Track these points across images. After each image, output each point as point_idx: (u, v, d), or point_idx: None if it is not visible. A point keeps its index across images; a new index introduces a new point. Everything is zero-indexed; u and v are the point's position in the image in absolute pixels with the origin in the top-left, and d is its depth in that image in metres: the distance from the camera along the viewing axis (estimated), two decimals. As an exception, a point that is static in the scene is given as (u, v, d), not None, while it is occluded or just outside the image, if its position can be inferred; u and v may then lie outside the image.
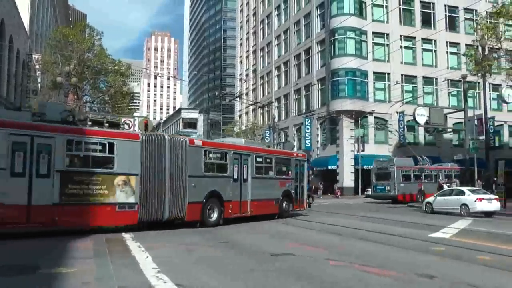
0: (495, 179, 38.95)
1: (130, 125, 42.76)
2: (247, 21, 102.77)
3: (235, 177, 23.58)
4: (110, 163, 18.51)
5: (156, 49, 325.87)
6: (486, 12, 34.92)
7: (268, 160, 26.40)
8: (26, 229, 16.49)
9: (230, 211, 22.92)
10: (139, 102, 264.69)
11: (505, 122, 65.14)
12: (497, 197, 31.99)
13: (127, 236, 17.10)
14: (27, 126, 16.55)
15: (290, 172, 28.17)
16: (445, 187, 42.50)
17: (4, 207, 15.30)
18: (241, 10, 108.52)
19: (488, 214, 30.48)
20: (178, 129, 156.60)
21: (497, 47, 32.61)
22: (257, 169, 25.12)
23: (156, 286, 9.29)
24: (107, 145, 18.41)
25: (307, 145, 64.29)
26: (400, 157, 55.15)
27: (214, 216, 21.98)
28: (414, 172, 48.49)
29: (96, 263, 11.73)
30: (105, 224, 18.47)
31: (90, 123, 19.06)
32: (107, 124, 19.32)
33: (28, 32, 55.73)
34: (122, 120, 37.77)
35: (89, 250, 13.75)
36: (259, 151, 25.98)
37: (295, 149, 57.98)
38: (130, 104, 64.66)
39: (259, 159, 25.43)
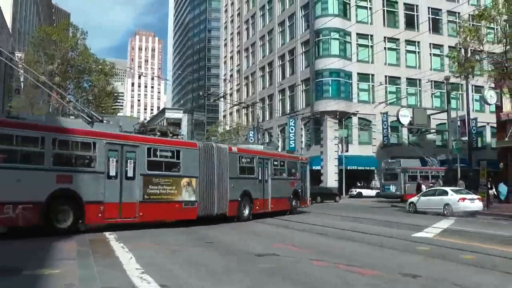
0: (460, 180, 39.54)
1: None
2: (232, 21, 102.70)
3: (260, 178, 27.40)
4: (177, 167, 21.90)
5: (140, 48, 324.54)
6: (469, 15, 35.19)
7: (282, 163, 30.41)
8: (119, 223, 19.53)
9: (257, 207, 26.77)
10: (123, 102, 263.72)
11: (488, 123, 65.52)
12: (479, 197, 32.26)
13: (110, 237, 16.99)
14: (119, 136, 19.64)
15: (297, 174, 31.98)
16: (424, 187, 43.06)
17: (104, 205, 18.55)
18: (226, 11, 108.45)
19: (471, 214, 30.70)
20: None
21: (479, 49, 32.79)
22: (274, 171, 28.95)
23: (139, 287, 9.21)
24: (175, 152, 21.87)
25: (291, 146, 64.30)
26: (384, 157, 55.41)
27: (246, 212, 25.71)
28: (421, 172, 50.10)
29: (80, 264, 11.59)
30: (174, 218, 21.91)
31: (159, 133, 22.38)
32: (158, 133, 22.40)
33: (10, 30, 55.24)
34: (105, 120, 37.69)
35: (72, 251, 13.59)
36: (275, 156, 30.17)
37: (279, 149, 58.15)
38: (114, 103, 64.32)
39: (275, 163, 29.39)
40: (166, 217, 21.74)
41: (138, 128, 21.90)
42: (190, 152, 22.47)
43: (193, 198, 22.25)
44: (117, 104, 76.83)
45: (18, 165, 16.42)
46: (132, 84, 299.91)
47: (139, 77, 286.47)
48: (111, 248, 14.40)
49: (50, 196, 16.86)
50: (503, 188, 41.74)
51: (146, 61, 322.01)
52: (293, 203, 30.88)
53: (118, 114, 71.52)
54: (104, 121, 20.08)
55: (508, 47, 31.40)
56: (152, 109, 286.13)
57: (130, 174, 19.67)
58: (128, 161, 19.67)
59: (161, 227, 20.44)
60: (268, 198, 28.03)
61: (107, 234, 17.91)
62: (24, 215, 16.13)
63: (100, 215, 18.50)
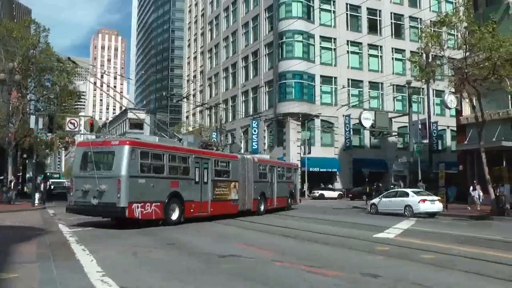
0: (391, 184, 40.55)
1: (76, 125, 41.94)
2: (195, 22, 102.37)
3: (270, 181, 34.21)
4: (228, 174, 28.29)
5: (103, 47, 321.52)
6: (430, 21, 35.64)
7: (282, 169, 37.38)
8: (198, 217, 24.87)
9: (268, 204, 33.35)
10: (85, 101, 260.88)
11: (448, 126, 66.56)
12: (440, 198, 32.72)
13: (71, 239, 16.75)
14: (200, 152, 26.22)
15: (292, 178, 39.08)
16: (383, 190, 43.72)
17: (193, 203, 24.47)
18: (190, 11, 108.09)
19: (431, 215, 31.24)
20: (124, 130, 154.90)
21: (440, 54, 33.21)
22: (279, 176, 35.67)
23: (100, 289, 9.08)
24: (227, 162, 28.49)
25: (254, 147, 64.40)
26: (346, 160, 55.74)
27: (262, 207, 32.09)
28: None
29: (39, 267, 11.38)
30: (228, 212, 27.45)
31: (214, 148, 29.71)
32: (214, 148, 29.83)
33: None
34: (68, 120, 37.05)
35: (32, 254, 13.35)
36: (278, 164, 38.21)
37: (242, 151, 58.18)
38: (76, 103, 63.53)
39: (278, 169, 36.22)
40: (223, 212, 27.09)
41: (202, 145, 28.68)
42: (234, 162, 29.08)
43: (236, 197, 28.74)
44: (79, 103, 75.86)
45: (153, 175, 21.97)
46: (95, 83, 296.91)
47: (102, 76, 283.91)
48: (72, 250, 14.18)
49: (168, 196, 22.50)
50: (451, 191, 42.72)
51: (109, 60, 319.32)
52: (289, 201, 37.85)
53: (80, 114, 70.44)
54: (182, 139, 27.63)
55: (468, 53, 31.88)
56: (114, 109, 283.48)
57: (205, 179, 25.81)
58: (204, 170, 25.83)
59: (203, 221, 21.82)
60: (274, 197, 34.69)
61: (67, 236, 17.68)
62: (155, 210, 21.64)
63: (191, 210, 24.34)
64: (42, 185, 42.93)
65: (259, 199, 31.72)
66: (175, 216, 22.91)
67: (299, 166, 60.30)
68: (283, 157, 62.36)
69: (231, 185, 28.25)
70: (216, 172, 26.85)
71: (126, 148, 20.59)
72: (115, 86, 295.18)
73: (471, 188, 38.35)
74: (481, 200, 38.17)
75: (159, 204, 21.73)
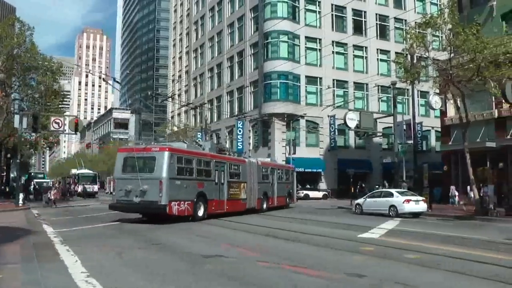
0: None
1: (60, 125, 41.72)
2: (181, 22, 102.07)
3: (271, 182, 37.80)
4: (238, 176, 31.96)
5: (88, 46, 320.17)
6: (415, 22, 35.76)
7: (281, 171, 41.12)
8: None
9: (270, 203, 37.00)
10: (69, 101, 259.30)
11: (432, 127, 66.83)
12: (424, 198, 32.89)
13: (55, 240, 16.68)
14: (219, 157, 30.17)
15: (289, 179, 42.87)
16: (366, 190, 44.04)
17: (214, 201, 28.11)
18: (175, 11, 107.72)
19: (416, 215, 31.45)
20: (109, 129, 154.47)
21: (425, 56, 33.32)
22: (278, 178, 39.30)
23: (85, 290, 9.03)
24: (238, 165, 32.25)
25: (239, 147, 64.33)
26: (331, 160, 55.78)
27: (264, 206, 35.69)
28: None
29: (23, 268, 11.31)
30: (238, 210, 30.98)
31: (227, 153, 33.46)
32: (227, 153, 33.77)
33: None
34: (52, 120, 36.92)
35: (16, 255, 13.28)
36: (279, 167, 41.56)
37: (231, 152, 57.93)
38: (61, 102, 63.08)
39: (279, 171, 40.05)
40: (236, 209, 30.58)
41: (218, 150, 32.34)
42: (243, 165, 32.84)
43: (245, 196, 32.31)
44: (63, 103, 75.38)
45: (185, 177, 25.57)
46: (79, 83, 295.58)
47: (87, 76, 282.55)
48: (56, 251, 14.12)
49: (196, 196, 26.07)
50: (437, 191, 43.15)
51: (94, 59, 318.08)
52: (287, 200, 41.38)
53: (65, 113, 70.15)
54: (201, 145, 31.74)
55: (452, 54, 32.04)
56: (99, 109, 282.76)
57: (222, 181, 29.43)
58: (221, 172, 29.41)
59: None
60: (274, 196, 38.18)
61: (52, 237, 17.62)
62: (187, 208, 25.09)
63: (213, 208, 27.88)
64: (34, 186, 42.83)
65: (262, 198, 35.44)
66: (201, 213, 26.43)
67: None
68: (270, 158, 62.41)
69: (241, 186, 32.03)
70: (230, 175, 30.60)
71: (166, 153, 24.21)
72: (100, 86, 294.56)
73: (453, 188, 38.93)
74: (457, 200, 38.91)
75: (190, 202, 25.39)
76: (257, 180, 34.50)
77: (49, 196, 41.98)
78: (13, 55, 44.74)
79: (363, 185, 50.37)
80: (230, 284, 9.81)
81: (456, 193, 41.30)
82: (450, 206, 39.83)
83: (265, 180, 36.72)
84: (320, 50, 65.48)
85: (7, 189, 52.95)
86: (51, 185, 53.99)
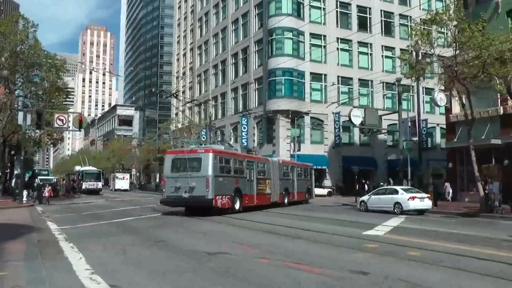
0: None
1: (64, 121, 41.76)
2: (185, 18, 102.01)
3: (291, 179, 41.38)
4: (264, 173, 35.56)
5: (92, 43, 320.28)
6: (420, 19, 35.58)
7: (301, 169, 44.54)
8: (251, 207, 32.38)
9: (291, 198, 40.34)
10: (73, 98, 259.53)
11: (437, 124, 66.68)
12: (429, 195, 32.86)
13: (60, 237, 16.74)
14: (249, 157, 34.32)
15: (308, 176, 46.30)
16: (366, 187, 44.08)
17: (249, 195, 32.47)
18: (179, 7, 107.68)
19: (421, 212, 31.45)
20: (113, 126, 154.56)
21: (430, 52, 33.17)
22: (298, 175, 42.78)
23: None
24: (263, 164, 36.07)
25: (243, 144, 64.26)
26: (335, 157, 55.68)
27: (286, 200, 39.10)
28: None
29: (28, 265, 11.35)
30: (265, 203, 34.61)
31: (254, 153, 37.79)
32: (254, 153, 38.66)
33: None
34: (56, 116, 37.04)
35: (20, 253, 13.31)
36: (298, 165, 44.91)
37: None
38: (65, 99, 63.05)
39: (298, 169, 43.48)
40: (263, 203, 34.32)
41: (247, 150, 37.80)
42: (267, 164, 36.69)
43: (269, 191, 35.99)
44: (67, 100, 75.35)
45: (226, 175, 29.57)
46: (83, 80, 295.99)
47: (90, 73, 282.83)
48: (60, 248, 14.18)
49: (234, 191, 30.12)
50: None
51: (98, 56, 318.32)
52: (306, 195, 44.89)
53: (69, 110, 70.18)
54: (232, 146, 36.51)
55: (458, 51, 31.92)
56: (103, 106, 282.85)
57: (252, 178, 33.23)
58: (252, 170, 33.29)
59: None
60: (295, 191, 41.60)
61: (56, 234, 17.67)
62: (227, 202, 29.14)
63: (246, 201, 31.77)
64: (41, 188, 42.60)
65: (283, 193, 38.92)
66: (237, 205, 30.41)
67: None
68: (273, 155, 62.29)
69: (266, 182, 35.68)
70: (258, 172, 34.31)
71: (211, 155, 28.10)
72: (104, 83, 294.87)
73: (447, 185, 39.17)
74: (450, 196, 38.92)
75: (229, 196, 29.39)
76: (278, 177, 38.13)
77: (43, 193, 41.43)
78: (16, 52, 44.79)
79: (367, 182, 50.25)
80: (234, 283, 9.81)
81: (450, 190, 41.32)
82: (454, 203, 39.77)
83: (286, 177, 40.37)
84: (324, 46, 65.35)
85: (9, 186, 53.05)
86: (55, 181, 54.02)
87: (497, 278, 10.39)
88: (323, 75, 65.53)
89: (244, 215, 28.48)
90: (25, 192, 40.12)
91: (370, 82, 66.41)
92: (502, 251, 14.46)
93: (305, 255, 13.29)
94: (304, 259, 12.51)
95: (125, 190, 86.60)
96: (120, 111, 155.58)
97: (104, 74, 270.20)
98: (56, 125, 41.60)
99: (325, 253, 13.85)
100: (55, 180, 69.36)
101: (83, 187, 70.18)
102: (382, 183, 46.70)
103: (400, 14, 68.03)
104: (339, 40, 66.15)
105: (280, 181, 38.43)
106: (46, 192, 41.58)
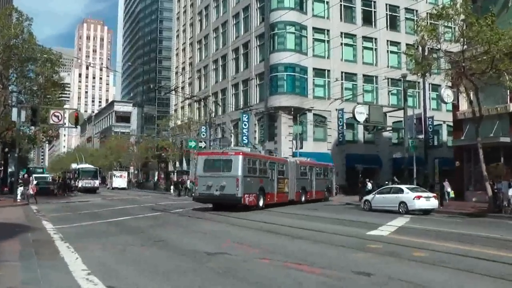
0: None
1: (60, 118, 41.77)
2: (184, 12, 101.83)
3: (309, 178, 44.44)
4: (283, 173, 38.40)
5: (88, 37, 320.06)
6: (427, 13, 35.47)
7: (320, 169, 47.69)
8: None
9: (308, 196, 43.46)
10: (69, 94, 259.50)
11: (444, 121, 66.53)
12: (435, 194, 32.82)
13: (55, 236, 16.75)
14: (271, 158, 38.07)
15: (328, 175, 49.61)
16: (369, 185, 44.06)
17: (271, 194, 35.67)
18: (178, 1, 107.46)
19: (426, 212, 31.45)
20: (110, 123, 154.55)
21: (437, 47, 33.09)
22: (316, 174, 45.94)
23: (85, 288, 9.06)
24: (282, 164, 39.01)
25: (244, 141, 64.16)
26: (339, 155, 55.63)
27: (303, 198, 42.07)
28: None
29: (22, 266, 11.37)
30: (283, 201, 37.63)
31: (274, 155, 41.62)
32: (274, 154, 42.93)
33: None
34: (51, 113, 37.03)
35: (15, 253, 13.34)
36: (316, 165, 47.23)
37: (232, 145, 58.17)
38: (61, 95, 62.98)
39: (317, 169, 46.63)
40: (282, 201, 37.44)
41: (268, 152, 41.45)
42: (285, 164, 39.49)
43: (287, 190, 38.89)
44: (63, 95, 75.30)
45: (252, 175, 32.96)
46: (79, 75, 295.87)
47: (87, 68, 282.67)
48: (56, 248, 14.20)
49: (258, 189, 33.48)
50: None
51: (94, 51, 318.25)
52: (326, 194, 47.92)
53: (65, 106, 70.18)
54: (256, 148, 41.09)
55: (465, 46, 31.88)
56: (100, 102, 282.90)
57: (273, 177, 36.42)
58: (273, 170, 36.46)
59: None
60: (313, 190, 44.76)
61: (52, 233, 17.69)
62: (253, 199, 32.58)
63: (268, 199, 34.91)
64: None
65: (300, 192, 41.81)
66: (261, 203, 33.57)
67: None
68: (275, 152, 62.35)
69: (285, 181, 38.60)
70: (278, 172, 37.36)
71: (241, 157, 31.66)
72: (101, 78, 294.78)
73: (446, 185, 39.28)
74: (450, 196, 39.02)
75: (255, 194, 32.80)
76: (295, 177, 40.79)
77: (28, 191, 40.37)
78: (10, 46, 44.63)
79: (370, 181, 50.17)
80: (234, 283, 9.84)
81: (449, 189, 41.31)
82: (461, 203, 39.72)
83: (303, 176, 43.14)
84: (328, 41, 65.19)
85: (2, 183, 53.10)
86: (50, 179, 53.87)
87: (504, 280, 10.42)
88: (326, 70, 65.39)
89: (244, 214, 28.51)
90: (19, 190, 40.13)
91: (374, 78, 66.32)
92: (509, 252, 14.47)
93: (306, 255, 13.36)
94: (305, 259, 12.58)
95: (123, 189, 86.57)
96: (118, 108, 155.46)
97: (101, 69, 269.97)
98: (51, 122, 41.48)
99: (327, 253, 13.91)
100: (50, 178, 69.32)
101: (80, 185, 70.19)
102: (387, 182, 46.65)
103: (406, 8, 67.86)
104: (343, 35, 65.98)
105: (297, 180, 41.20)
106: (30, 189, 40.59)
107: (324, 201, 46.11)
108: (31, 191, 40.28)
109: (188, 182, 61.94)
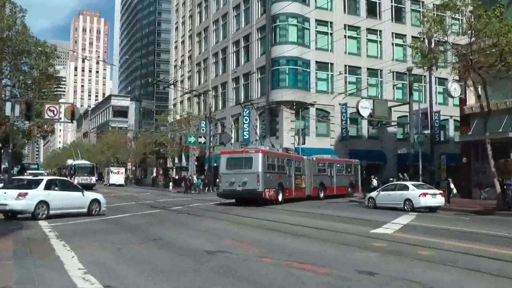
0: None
1: (55, 112, 41.74)
2: (183, 3, 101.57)
3: (329, 175, 46.75)
4: (300, 169, 41.19)
5: (84, 30, 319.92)
6: (433, 4, 35.36)
7: (342, 165, 50.28)
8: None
9: (327, 192, 45.36)
10: (65, 88, 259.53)
11: (451, 116, 66.37)
12: (442, 192, 32.73)
13: (51, 234, 16.73)
14: (288, 156, 40.51)
15: (352, 171, 51.51)
16: (374, 181, 44.09)
17: (289, 189, 38.28)
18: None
19: (432, 209, 31.32)
20: (107, 118, 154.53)
21: (443, 40, 32.98)
22: (338, 170, 48.41)
23: (82, 288, 9.03)
24: (300, 161, 41.82)
25: (245, 137, 64.23)
26: (342, 150, 55.59)
27: (321, 194, 44.13)
28: None
29: (16, 265, 11.36)
30: (301, 196, 40.37)
31: (291, 152, 43.83)
32: (290, 151, 44.77)
33: None
34: (47, 107, 36.94)
35: (8, 251, 13.32)
36: (338, 162, 50.51)
37: (233, 140, 58.12)
38: (56, 88, 62.93)
39: (338, 165, 49.35)
40: (299, 196, 40.07)
41: (283, 149, 43.03)
42: (302, 161, 42.25)
43: (304, 186, 41.48)
44: (59, 89, 75.18)
45: (271, 171, 35.86)
46: (75, 69, 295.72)
47: (83, 61, 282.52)
48: (52, 247, 14.20)
49: (277, 185, 36.24)
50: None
51: (91, 43, 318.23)
52: (349, 190, 49.64)
53: (60, 100, 70.07)
54: (274, 147, 42.54)
55: (473, 38, 31.78)
56: (97, 96, 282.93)
57: (291, 174, 39.11)
58: (290, 167, 39.24)
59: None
60: (333, 186, 46.95)
61: (47, 231, 17.68)
62: (273, 194, 35.50)
63: (286, 194, 37.65)
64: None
65: (318, 187, 43.98)
66: (280, 197, 36.44)
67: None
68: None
69: (302, 177, 41.21)
70: (295, 169, 39.98)
71: (261, 155, 34.62)
72: (97, 72, 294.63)
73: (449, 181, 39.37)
74: (454, 193, 39.04)
75: (274, 189, 35.73)
76: (313, 173, 43.40)
77: None
78: (3, 39, 44.56)
79: (375, 177, 50.09)
80: (234, 283, 9.82)
81: (452, 186, 41.25)
82: (470, 200, 39.68)
83: (322, 173, 45.60)
84: (331, 34, 65.08)
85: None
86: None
87: (510, 279, 10.36)
88: (329, 64, 65.29)
89: (245, 212, 28.45)
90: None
91: (379, 71, 66.15)
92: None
93: (308, 254, 13.36)
94: (307, 258, 12.56)
95: (121, 185, 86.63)
96: (115, 102, 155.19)
97: (97, 63, 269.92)
98: (46, 116, 41.30)
99: (330, 252, 13.93)
100: (45, 174, 69.27)
101: (76, 182, 70.13)
102: (391, 178, 46.59)
103: None
104: (347, 27, 65.87)
105: (315, 176, 43.75)
106: None
107: (347, 197, 47.01)
108: None
109: (195, 177, 63.74)
